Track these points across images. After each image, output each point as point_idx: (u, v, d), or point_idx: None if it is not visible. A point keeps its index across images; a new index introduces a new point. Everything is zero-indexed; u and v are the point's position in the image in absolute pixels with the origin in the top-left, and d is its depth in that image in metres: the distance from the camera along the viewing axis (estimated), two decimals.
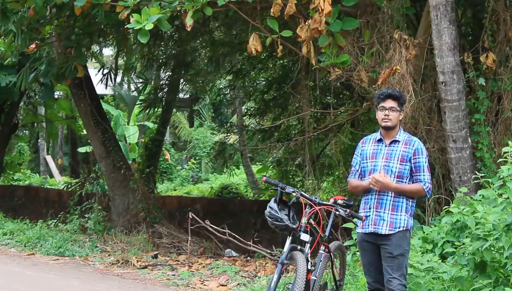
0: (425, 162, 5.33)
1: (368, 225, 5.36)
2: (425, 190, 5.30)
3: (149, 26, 7.91)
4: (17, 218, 14.35)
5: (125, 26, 8.56)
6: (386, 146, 5.38)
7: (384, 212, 5.31)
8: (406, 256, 5.33)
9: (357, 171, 5.50)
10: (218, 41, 14.99)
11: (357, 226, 5.55)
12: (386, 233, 5.28)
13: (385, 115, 5.33)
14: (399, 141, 5.36)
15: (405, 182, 5.31)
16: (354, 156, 5.57)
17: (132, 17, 8.04)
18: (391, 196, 5.30)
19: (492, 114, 8.59)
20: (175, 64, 15.97)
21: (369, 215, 5.36)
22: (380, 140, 5.44)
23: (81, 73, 11.38)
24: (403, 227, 5.29)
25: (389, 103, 5.32)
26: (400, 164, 5.30)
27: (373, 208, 5.35)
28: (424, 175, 5.30)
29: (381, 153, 5.37)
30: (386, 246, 5.28)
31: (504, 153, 6.16)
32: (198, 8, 8.05)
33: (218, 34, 15.27)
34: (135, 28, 8.05)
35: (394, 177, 5.29)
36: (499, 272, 5.87)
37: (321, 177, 13.82)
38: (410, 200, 5.36)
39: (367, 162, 5.43)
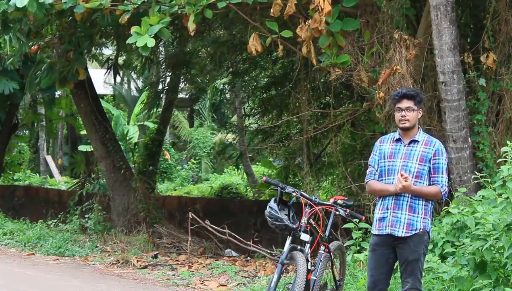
0: (444, 164, 5.19)
1: (385, 227, 5.22)
2: (442, 193, 5.17)
3: (151, 43, 7.89)
4: (17, 218, 14.36)
5: (126, 42, 8.53)
6: (405, 146, 5.27)
7: (401, 213, 5.18)
8: (421, 260, 5.20)
9: (376, 170, 5.35)
10: (218, 41, 14.97)
11: (372, 228, 5.36)
12: (403, 235, 5.16)
13: (402, 116, 5.22)
14: (418, 141, 5.24)
15: (423, 183, 5.18)
16: (372, 155, 5.43)
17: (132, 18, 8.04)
18: (408, 197, 5.17)
19: (493, 115, 8.58)
20: (175, 64, 15.96)
21: (386, 216, 5.22)
22: (398, 140, 5.32)
23: (82, 76, 11.38)
24: (420, 229, 5.16)
25: (405, 103, 5.21)
26: (419, 164, 5.18)
27: (391, 209, 5.21)
28: (442, 177, 5.17)
29: (400, 153, 5.26)
30: (402, 250, 5.18)
31: (504, 152, 6.15)
32: (198, 12, 8.03)
33: (218, 34, 15.25)
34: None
35: (412, 177, 5.16)
36: (499, 272, 5.87)
37: (321, 176, 13.82)
38: (430, 202, 5.24)
39: (384, 162, 5.31)
